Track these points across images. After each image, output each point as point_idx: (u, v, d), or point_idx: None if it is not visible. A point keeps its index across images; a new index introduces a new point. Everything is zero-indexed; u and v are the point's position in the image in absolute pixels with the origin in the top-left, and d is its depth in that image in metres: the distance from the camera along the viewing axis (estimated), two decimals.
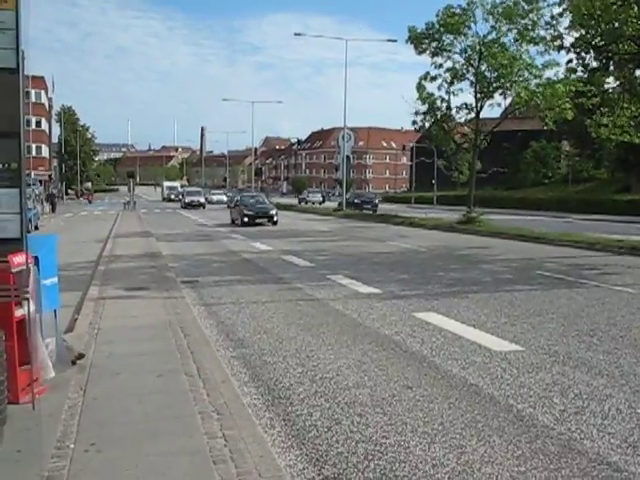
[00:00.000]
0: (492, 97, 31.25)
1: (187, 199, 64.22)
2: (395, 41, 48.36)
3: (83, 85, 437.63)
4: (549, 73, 29.71)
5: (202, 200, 64.46)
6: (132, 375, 6.45)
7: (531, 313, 10.33)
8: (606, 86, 25.20)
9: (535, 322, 9.64)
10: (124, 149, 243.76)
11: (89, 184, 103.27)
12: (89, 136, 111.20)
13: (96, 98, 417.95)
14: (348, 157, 44.40)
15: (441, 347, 8.14)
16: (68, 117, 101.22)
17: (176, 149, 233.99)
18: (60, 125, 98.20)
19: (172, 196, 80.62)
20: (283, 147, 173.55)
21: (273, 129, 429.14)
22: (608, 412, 5.79)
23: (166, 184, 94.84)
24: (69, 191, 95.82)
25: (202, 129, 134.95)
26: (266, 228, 32.40)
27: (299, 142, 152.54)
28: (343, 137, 44.80)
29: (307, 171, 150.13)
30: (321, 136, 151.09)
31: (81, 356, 6.93)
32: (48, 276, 6.47)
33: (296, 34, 45.47)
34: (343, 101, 46.44)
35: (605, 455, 4.89)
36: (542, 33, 28.75)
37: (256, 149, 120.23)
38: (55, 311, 6.63)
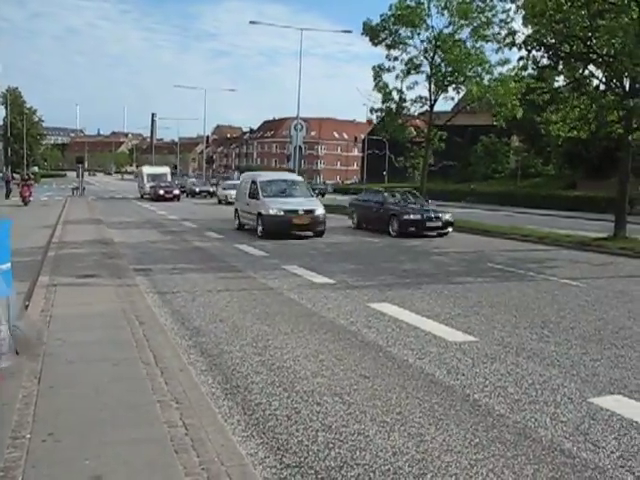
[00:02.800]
0: (446, 91, 31.54)
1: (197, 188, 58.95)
2: (350, 32, 48.32)
3: (31, 66, 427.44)
4: (502, 70, 30.10)
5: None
6: (88, 363, 6.35)
7: (484, 305, 10.51)
8: (556, 84, 25.67)
9: (488, 313, 9.81)
10: (72, 134, 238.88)
11: (35, 168, 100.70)
12: (36, 119, 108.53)
13: (44, 80, 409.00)
14: (300, 147, 44.21)
15: (397, 337, 8.23)
16: (14, 99, 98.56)
17: (126, 135, 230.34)
18: (5, 107, 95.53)
19: (161, 191, 49.44)
20: (235, 136, 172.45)
21: (225, 117, 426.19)
22: (560, 401, 5.94)
23: (148, 170, 59.51)
24: (14, 176, 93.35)
25: (153, 115, 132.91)
26: (214, 216, 32.06)
27: (251, 131, 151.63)
28: (295, 127, 44.70)
29: (258, 160, 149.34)
30: (273, 126, 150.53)
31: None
32: (1, 262, 6.32)
33: (251, 22, 45.47)
34: (296, 91, 46.44)
35: (558, 442, 5.02)
36: (496, 30, 29.10)
37: (208, 137, 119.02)
38: (8, 298, 6.48)
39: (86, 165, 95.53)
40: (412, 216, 22.51)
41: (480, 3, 29.23)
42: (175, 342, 7.68)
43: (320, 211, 21.45)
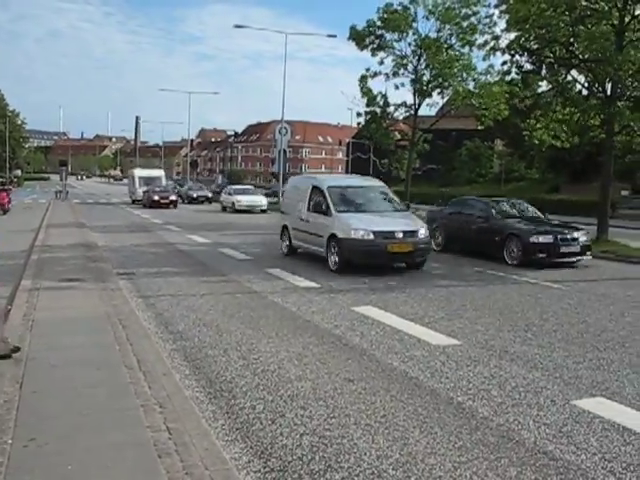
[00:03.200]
0: (430, 96, 31.67)
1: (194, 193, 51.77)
2: (334, 36, 48.95)
3: (13, 69, 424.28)
4: (486, 76, 30.28)
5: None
6: (71, 368, 6.31)
7: (467, 308, 10.55)
8: (539, 89, 25.87)
9: (472, 317, 9.85)
10: (56, 137, 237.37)
11: (18, 171, 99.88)
12: (19, 122, 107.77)
13: (27, 83, 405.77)
14: (285, 151, 44.23)
15: (381, 341, 8.24)
16: None
17: (110, 138, 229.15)
18: None
19: (155, 197, 43.23)
20: (219, 139, 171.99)
21: (210, 121, 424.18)
22: (543, 403, 5.98)
23: (140, 173, 53.29)
24: None
25: (137, 119, 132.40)
26: (201, 220, 31.97)
27: (235, 135, 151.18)
28: (280, 131, 44.71)
29: (243, 164, 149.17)
30: (258, 129, 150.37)
31: (17, 349, 6.75)
32: None
33: (236, 26, 44.73)
34: (281, 95, 46.38)
35: (541, 445, 5.05)
36: (481, 35, 29.27)
37: (192, 140, 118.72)
38: None
39: (70, 168, 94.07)
40: (542, 238, 16.15)
41: (466, 10, 29.37)
42: (159, 346, 7.66)
43: (423, 232, 15.02)
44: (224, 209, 41.14)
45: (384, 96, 32.10)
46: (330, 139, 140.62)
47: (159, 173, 54.97)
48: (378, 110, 32.28)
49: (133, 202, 49.28)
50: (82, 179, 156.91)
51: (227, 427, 5.33)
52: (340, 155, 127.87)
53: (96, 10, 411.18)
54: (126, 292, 11.10)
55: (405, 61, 30.76)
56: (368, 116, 32.87)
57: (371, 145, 65.71)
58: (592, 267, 16.42)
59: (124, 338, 7.49)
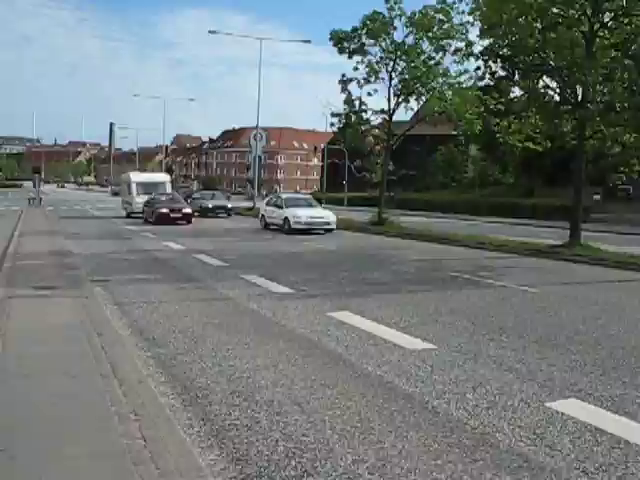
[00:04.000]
0: (407, 101, 31.87)
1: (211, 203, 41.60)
2: (309, 42, 48.88)
3: None
4: (460, 80, 30.54)
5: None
6: (44, 377, 6.25)
7: (442, 312, 10.61)
8: (512, 95, 26.18)
9: (447, 321, 9.92)
10: (29, 143, 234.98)
11: None
12: None
13: None
14: (260, 157, 44.32)
15: (356, 346, 8.26)
16: None
17: (84, 145, 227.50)
18: None
19: (163, 209, 33.61)
20: (194, 145, 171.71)
21: (185, 127, 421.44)
22: (518, 406, 6.03)
23: (137, 178, 42.66)
24: None
25: (111, 125, 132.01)
26: (177, 227, 31.83)
27: (211, 141, 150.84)
28: (255, 137, 44.71)
29: (218, 170, 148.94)
30: (233, 135, 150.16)
31: None
32: None
33: (210, 32, 44.73)
34: (256, 101, 46.29)
35: (516, 447, 5.10)
36: (454, 43, 29.52)
37: (167, 147, 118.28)
38: None
39: (43, 175, 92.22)
40: None
41: (442, 17, 29.60)
42: (134, 354, 7.61)
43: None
44: (266, 226, 30.78)
45: (361, 101, 32.28)
46: (305, 145, 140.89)
47: (163, 178, 43.67)
48: (354, 115, 32.43)
49: (129, 216, 39.02)
50: (63, 187, 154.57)
51: (203, 434, 5.31)
52: (315, 161, 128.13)
53: (70, 15, 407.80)
54: (100, 300, 11.02)
55: (379, 67, 30.93)
56: (343, 121, 33.00)
57: (346, 151, 65.94)
58: (565, 270, 16.63)
59: (98, 346, 7.42)
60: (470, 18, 26.00)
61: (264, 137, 45.46)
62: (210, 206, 41.39)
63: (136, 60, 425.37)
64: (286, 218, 28.42)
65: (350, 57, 31.25)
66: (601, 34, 20.98)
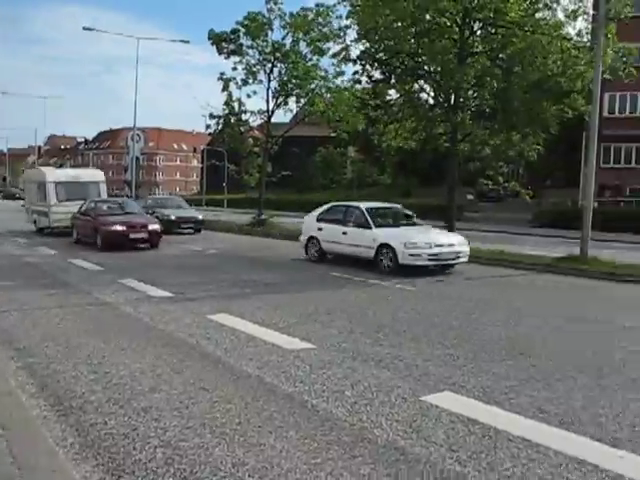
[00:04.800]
0: (286, 103, 31.99)
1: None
2: (187, 42, 48.29)
3: None
4: (338, 81, 30.97)
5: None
6: None
7: (321, 312, 10.72)
8: (388, 97, 26.85)
9: (325, 320, 10.02)
10: None
11: None
12: None
13: None
14: (138, 158, 43.18)
15: (235, 348, 8.20)
16: None
17: None
18: None
19: (118, 227, 21.50)
20: (69, 146, 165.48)
21: (59, 127, 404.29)
22: (395, 401, 6.17)
23: (53, 177, 28.15)
24: None
25: None
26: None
27: (86, 141, 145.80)
28: (132, 138, 43.62)
29: None
30: (110, 136, 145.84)
31: None
32: None
33: (85, 28, 43.09)
34: (133, 100, 45.12)
35: (393, 441, 5.21)
36: (332, 46, 29.89)
37: (40, 147, 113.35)
38: None
39: None
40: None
41: (320, 20, 29.90)
42: (2, 364, 7.23)
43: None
44: (321, 255, 18.39)
45: (240, 102, 32.13)
46: (185, 146, 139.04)
47: (95, 176, 29.99)
48: (233, 117, 32.24)
49: (41, 230, 28.27)
50: None
51: (77, 445, 5.10)
52: (195, 162, 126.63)
53: None
54: None
55: (257, 68, 30.92)
56: (222, 123, 32.73)
57: (226, 152, 65.50)
58: (441, 268, 17.16)
59: None
60: (348, 22, 26.43)
61: (142, 138, 44.29)
62: (173, 218, 29.04)
63: (5, 57, 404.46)
64: (386, 247, 15.90)
65: (228, 57, 31.08)
66: (471, 42, 21.91)
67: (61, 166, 58.22)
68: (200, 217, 31.03)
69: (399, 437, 5.30)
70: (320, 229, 18.22)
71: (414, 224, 18.07)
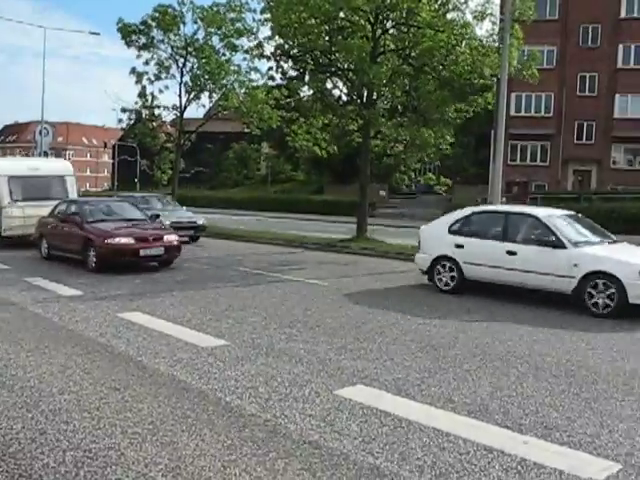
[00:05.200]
0: (199, 98, 31.61)
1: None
2: (98, 34, 47.01)
3: None
4: (252, 77, 30.81)
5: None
6: None
7: (235, 308, 10.70)
8: (302, 94, 26.94)
9: (239, 317, 10.00)
10: None
11: None
12: None
13: None
14: (46, 153, 41.86)
15: (147, 346, 8.08)
16: None
17: None
18: None
19: (121, 237, 15.10)
20: None
21: None
22: (308, 396, 6.23)
23: (5, 169, 20.97)
24: None
25: None
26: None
27: None
28: (40, 132, 42.25)
29: None
30: (16, 130, 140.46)
31: None
32: None
33: None
34: (41, 93, 43.54)
35: (307, 435, 5.26)
36: (246, 41, 29.68)
37: None
38: None
39: None
40: None
41: (233, 15, 29.64)
42: None
43: None
44: (459, 284, 13.04)
45: (153, 97, 31.57)
46: (95, 141, 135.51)
47: (61, 168, 22.57)
48: (145, 111, 31.66)
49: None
50: None
51: None
52: (106, 158, 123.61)
53: None
54: None
55: (169, 63, 30.44)
56: (134, 117, 32.09)
57: (138, 148, 64.31)
58: (352, 264, 17.42)
59: None
60: (262, 18, 26.33)
61: (50, 132, 42.89)
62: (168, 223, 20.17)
63: None
64: (600, 276, 10.94)
65: (139, 51, 30.44)
66: (384, 41, 22.23)
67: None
68: (201, 222, 24.02)
69: (313, 431, 5.35)
70: (459, 246, 12.99)
71: (613, 240, 12.62)
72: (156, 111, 32.01)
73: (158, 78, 30.66)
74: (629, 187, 40.61)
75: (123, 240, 15.05)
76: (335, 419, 5.64)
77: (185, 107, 31.38)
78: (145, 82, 30.86)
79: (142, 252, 15.08)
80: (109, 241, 14.93)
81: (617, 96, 44.49)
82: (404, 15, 21.30)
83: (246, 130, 34.07)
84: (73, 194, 20.99)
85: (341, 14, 22.03)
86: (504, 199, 24.35)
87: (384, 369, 7.19)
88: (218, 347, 8.05)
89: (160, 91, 31.31)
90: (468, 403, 6.13)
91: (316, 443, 5.11)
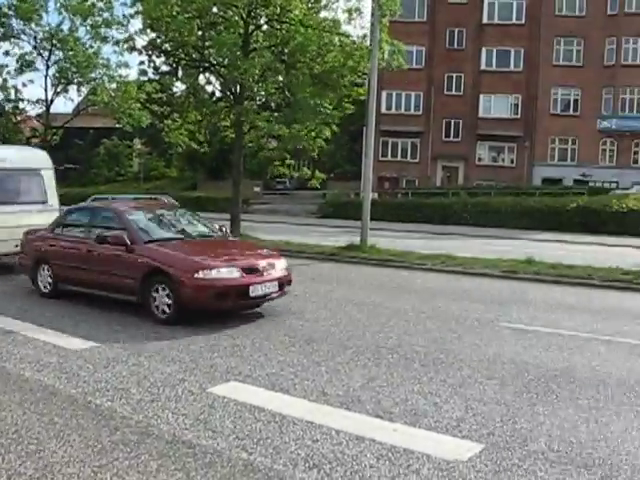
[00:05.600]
0: (67, 92, 30.42)
1: None
2: None
3: None
4: (122, 72, 29.96)
5: None
6: None
7: (112, 309, 10.35)
8: (175, 89, 26.57)
9: (110, 318, 9.70)
10: None
11: None
12: None
13: None
14: None
15: (12, 351, 7.71)
16: None
17: None
18: None
19: (224, 268, 9.43)
20: None
21: None
22: (181, 395, 6.18)
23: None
24: None
25: None
26: None
27: None
28: None
29: None
30: None
31: None
32: None
33: None
34: None
35: (180, 435, 5.22)
36: (115, 34, 28.77)
37: None
38: None
39: None
40: None
41: (100, 4, 28.61)
42: None
43: None
44: None
45: (17, 90, 30.15)
46: None
47: (33, 160, 15.21)
48: (7, 104, 30.20)
49: None
50: None
51: None
52: None
53: None
54: None
55: (33, 56, 29.09)
56: None
57: (0, 142, 61.14)
58: None
59: None
60: (132, 10, 25.68)
61: None
62: None
63: None
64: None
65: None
66: (256, 37, 22.26)
67: None
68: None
69: (187, 430, 5.32)
70: None
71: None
72: (20, 104, 30.67)
73: (21, 72, 29.30)
74: (493, 182, 42.81)
75: (225, 273, 9.57)
76: (209, 417, 5.63)
77: (52, 101, 30.20)
78: (5, 75, 29.44)
79: (254, 291, 9.55)
80: (202, 275, 9.25)
81: (481, 96, 46.68)
82: (277, 12, 21.42)
83: (117, 126, 33.08)
84: (53, 195, 15.14)
85: (214, 9, 21.91)
86: (376, 195, 25.04)
87: (258, 365, 7.22)
88: (88, 349, 7.81)
89: (24, 85, 30.00)
90: (341, 395, 6.27)
91: (190, 442, 5.08)
